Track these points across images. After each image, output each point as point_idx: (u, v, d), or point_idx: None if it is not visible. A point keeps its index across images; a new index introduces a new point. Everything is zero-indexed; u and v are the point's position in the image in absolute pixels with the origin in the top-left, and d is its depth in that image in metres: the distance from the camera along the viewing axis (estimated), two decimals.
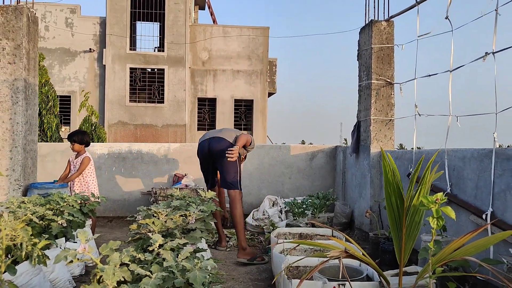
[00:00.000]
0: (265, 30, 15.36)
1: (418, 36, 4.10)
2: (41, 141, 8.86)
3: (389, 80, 4.88)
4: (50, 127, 8.60)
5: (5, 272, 2.17)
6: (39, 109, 8.89)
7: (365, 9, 5.03)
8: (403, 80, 4.68)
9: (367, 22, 5.03)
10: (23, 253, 2.02)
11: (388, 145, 4.93)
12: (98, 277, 1.52)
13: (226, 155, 4.10)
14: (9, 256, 2.29)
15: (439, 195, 1.48)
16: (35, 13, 4.89)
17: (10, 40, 4.50)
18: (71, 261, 1.60)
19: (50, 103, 8.70)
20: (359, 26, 5.20)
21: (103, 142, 9.75)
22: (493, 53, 3.12)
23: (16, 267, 2.39)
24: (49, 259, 2.27)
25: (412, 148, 4.25)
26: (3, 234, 1.91)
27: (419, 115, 4.17)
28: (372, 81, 4.86)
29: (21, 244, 2.00)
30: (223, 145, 4.35)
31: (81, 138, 4.85)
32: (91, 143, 5.40)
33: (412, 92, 4.32)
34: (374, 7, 4.93)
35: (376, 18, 4.92)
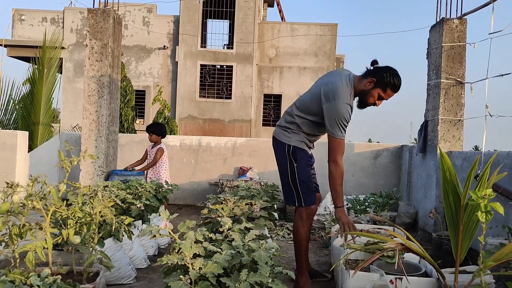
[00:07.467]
0: (333, 27, 15.25)
1: (489, 34, 3.98)
2: (118, 132, 9.61)
3: (459, 79, 4.76)
4: (127, 119, 9.30)
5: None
6: None
7: (437, 7, 4.94)
8: (474, 80, 4.55)
9: (438, 20, 4.93)
10: (113, 228, 2.33)
11: (456, 146, 4.82)
12: (177, 250, 1.76)
13: None
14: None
15: (488, 191, 1.53)
16: (120, 15, 5.35)
17: (98, 40, 4.97)
18: (154, 236, 1.86)
19: (127, 97, 9.39)
20: (429, 25, 5.11)
21: (174, 134, 10.31)
22: None
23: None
24: (133, 234, 2.58)
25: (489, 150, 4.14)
26: (97, 211, 2.23)
27: (490, 115, 4.06)
28: (442, 80, 4.77)
29: (111, 220, 2.31)
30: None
31: (159, 129, 5.25)
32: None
33: (484, 91, 4.21)
34: (446, 5, 4.83)
35: (448, 16, 4.81)
